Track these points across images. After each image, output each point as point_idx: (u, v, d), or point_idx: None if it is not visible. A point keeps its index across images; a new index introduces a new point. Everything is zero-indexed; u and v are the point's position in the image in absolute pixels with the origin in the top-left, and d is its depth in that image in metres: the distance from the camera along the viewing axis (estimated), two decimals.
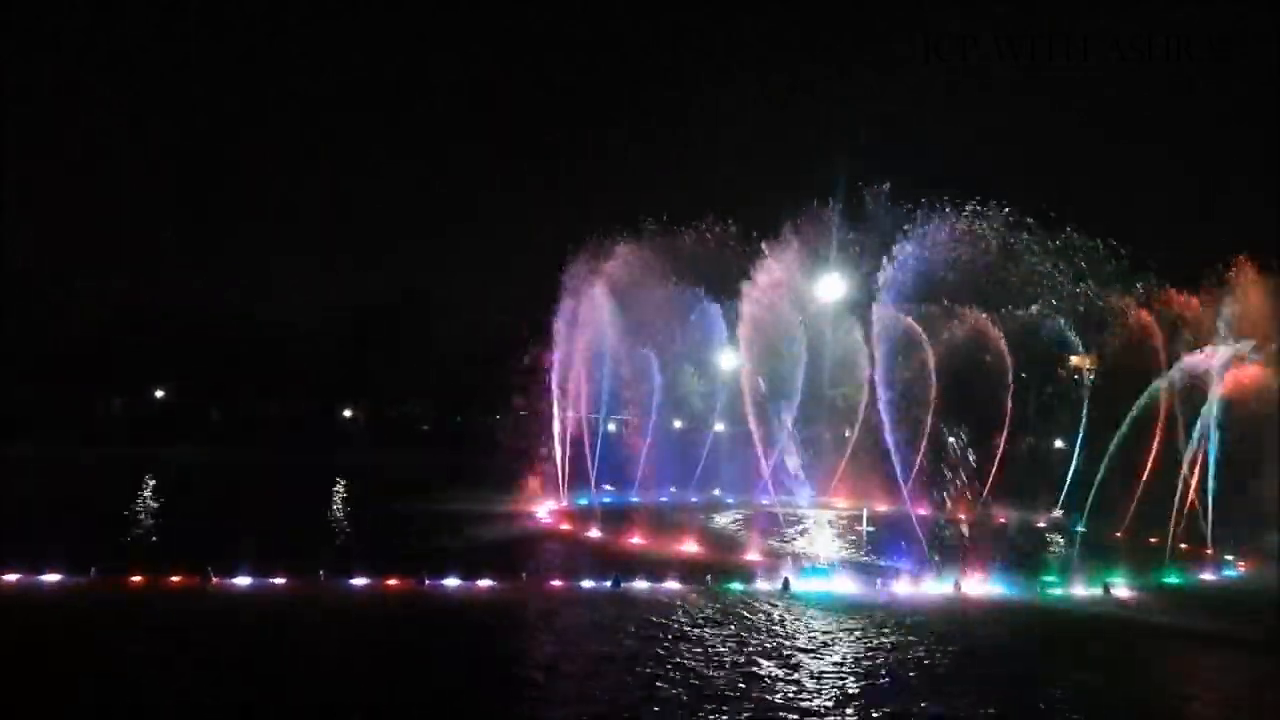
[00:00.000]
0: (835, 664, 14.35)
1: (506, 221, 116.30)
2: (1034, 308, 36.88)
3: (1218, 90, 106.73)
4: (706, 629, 16.34)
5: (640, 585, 19.91)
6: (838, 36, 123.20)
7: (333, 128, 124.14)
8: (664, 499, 40.85)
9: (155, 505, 33.69)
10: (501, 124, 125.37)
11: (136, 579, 18.34)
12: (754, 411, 31.67)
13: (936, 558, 23.62)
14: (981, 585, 21.49)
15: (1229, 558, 27.80)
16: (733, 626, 16.60)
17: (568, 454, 36.31)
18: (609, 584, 19.77)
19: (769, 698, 12.56)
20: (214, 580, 18.39)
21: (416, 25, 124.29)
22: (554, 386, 36.31)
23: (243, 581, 18.49)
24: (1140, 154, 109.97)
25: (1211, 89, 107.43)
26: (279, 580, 18.65)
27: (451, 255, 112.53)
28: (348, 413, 79.73)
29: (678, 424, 49.62)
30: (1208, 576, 25.07)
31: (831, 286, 39.94)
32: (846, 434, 47.76)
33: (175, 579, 18.44)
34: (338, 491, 40.43)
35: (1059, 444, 41.36)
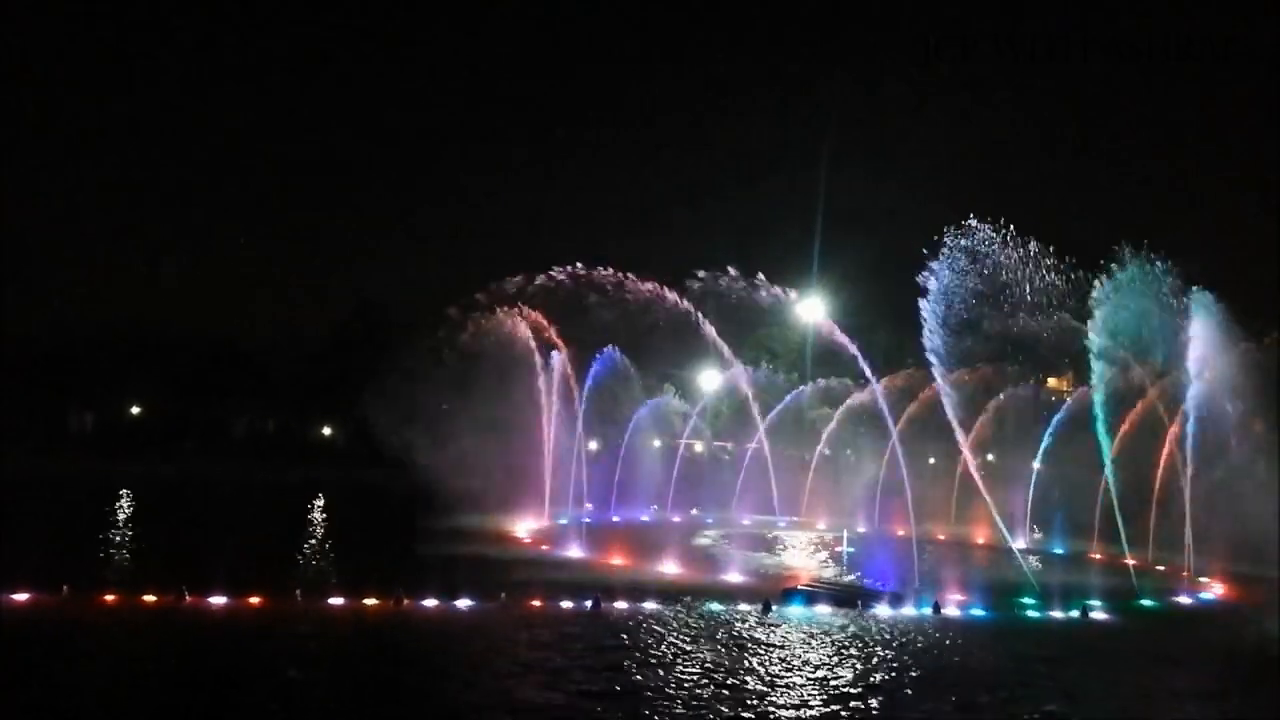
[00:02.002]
0: (814, 686, 14.30)
1: (491, 238, 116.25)
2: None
3: (1218, 90, 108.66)
4: (686, 651, 16.25)
5: (620, 605, 19.81)
6: (835, 36, 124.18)
7: (318, 142, 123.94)
8: (645, 518, 40.81)
9: (132, 522, 33.28)
10: (486, 134, 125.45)
11: (109, 597, 18.08)
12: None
13: (916, 579, 23.69)
14: (960, 607, 21.56)
15: (1205, 580, 28.03)
16: (712, 648, 16.51)
17: (551, 473, 36.21)
18: (589, 604, 19.65)
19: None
20: (188, 599, 18.13)
21: (396, 38, 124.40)
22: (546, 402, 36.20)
23: (218, 601, 18.24)
24: (1139, 153, 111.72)
25: (1211, 89, 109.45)
26: (254, 600, 18.43)
27: (439, 271, 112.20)
28: (326, 430, 79.11)
29: (656, 443, 49.67)
30: (1184, 600, 25.25)
31: (812, 308, 40.18)
32: (826, 453, 48.02)
33: (149, 598, 18.18)
34: (317, 509, 40.10)
35: (1036, 465, 41.63)
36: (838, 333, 29.80)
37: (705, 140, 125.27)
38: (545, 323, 35.37)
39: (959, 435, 28.09)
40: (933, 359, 25.73)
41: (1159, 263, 27.97)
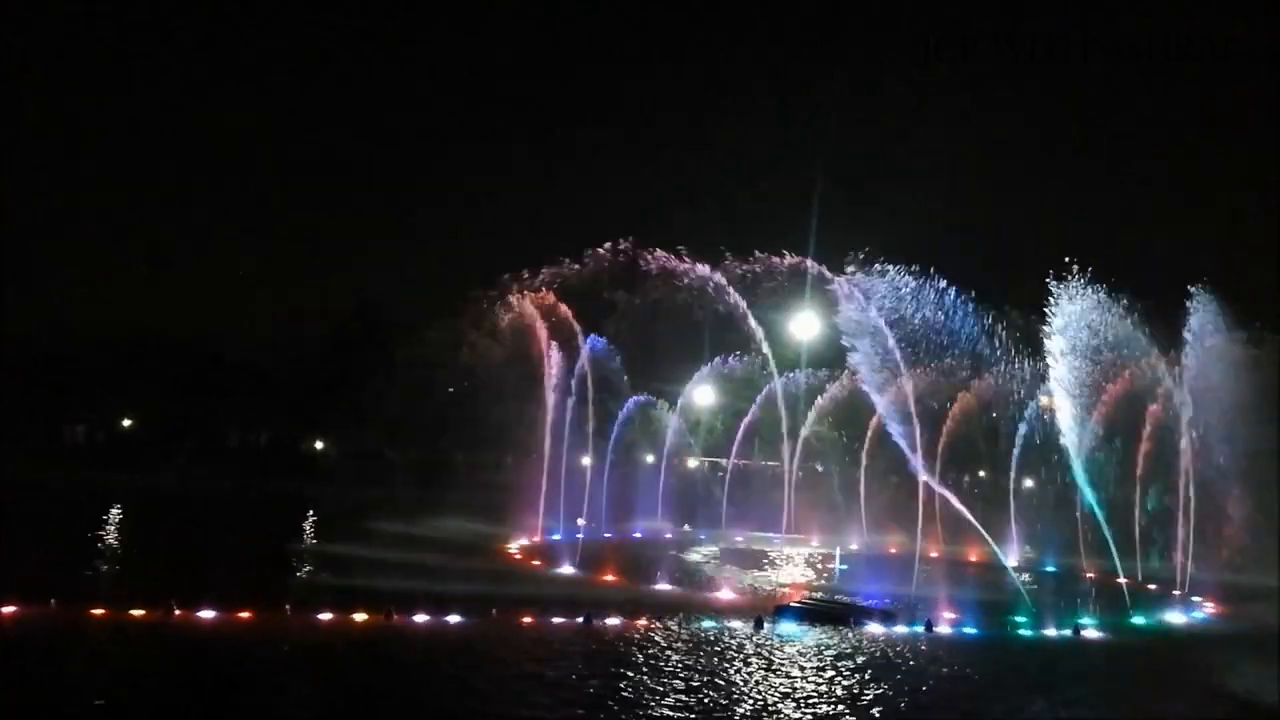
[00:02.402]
0: (807, 705, 14.24)
1: (491, 238, 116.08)
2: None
3: (1218, 90, 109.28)
4: (678, 668, 16.18)
5: (612, 622, 19.71)
6: (835, 36, 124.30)
7: (318, 142, 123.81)
8: (638, 534, 40.68)
9: (123, 534, 33.10)
10: (486, 134, 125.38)
11: (98, 611, 17.94)
12: None
13: (909, 596, 23.66)
14: (953, 625, 21.51)
15: (1196, 599, 28.02)
16: (705, 665, 16.45)
17: (542, 489, 36.05)
18: (580, 620, 19.56)
19: None
20: (177, 613, 18.00)
21: (396, 38, 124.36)
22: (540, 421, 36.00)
23: (207, 615, 18.12)
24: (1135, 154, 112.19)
25: (1211, 89, 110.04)
26: (244, 614, 18.31)
27: (439, 271, 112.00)
28: (319, 444, 78.77)
29: (650, 459, 49.57)
30: (1175, 618, 25.23)
31: (806, 325, 40.17)
32: (819, 469, 48.00)
33: (138, 611, 18.05)
34: (308, 523, 39.93)
35: (1029, 483, 41.61)
36: (874, 316, 27.67)
37: (705, 140, 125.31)
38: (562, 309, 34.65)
39: (903, 444, 27.86)
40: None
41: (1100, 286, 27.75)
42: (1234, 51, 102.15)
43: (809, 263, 31.04)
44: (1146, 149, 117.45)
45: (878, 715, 14.03)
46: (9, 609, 17.53)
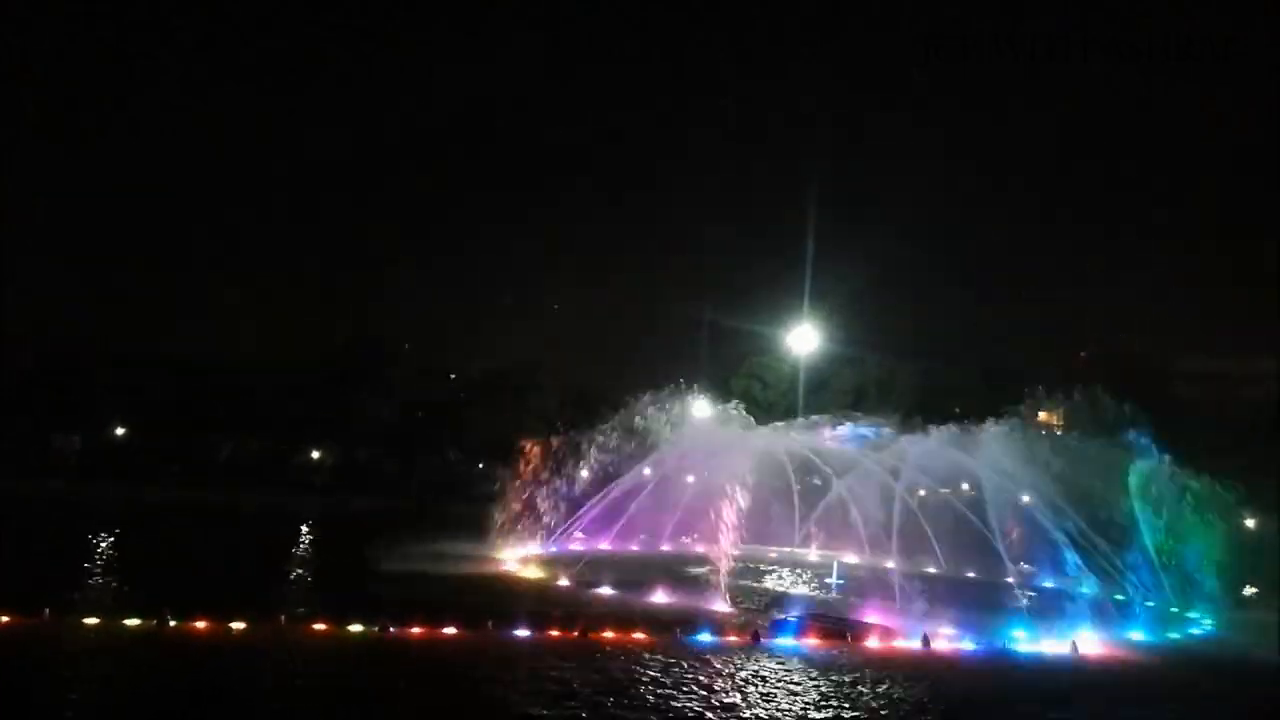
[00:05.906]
0: (799, 717, 14.19)
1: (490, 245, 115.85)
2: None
3: (1218, 90, 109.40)
4: (673, 682, 16.11)
5: (607, 634, 19.65)
6: (835, 36, 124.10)
7: (317, 149, 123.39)
8: (635, 548, 40.57)
9: (116, 545, 32.98)
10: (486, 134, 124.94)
11: (91, 621, 17.88)
12: None
13: (906, 611, 23.61)
14: (950, 640, 21.46)
15: (1194, 616, 28.01)
16: (700, 679, 16.40)
17: (539, 501, 36.03)
18: (576, 633, 19.50)
19: None
20: (171, 624, 17.93)
21: (396, 38, 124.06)
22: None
23: (200, 625, 18.05)
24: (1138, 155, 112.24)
25: (1212, 89, 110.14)
26: (237, 625, 18.24)
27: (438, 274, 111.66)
28: (315, 454, 78.61)
29: (647, 471, 49.35)
30: (1174, 635, 25.21)
31: (804, 338, 40.25)
32: (817, 482, 47.91)
33: (131, 621, 17.98)
34: (303, 534, 39.81)
35: (1025, 498, 41.49)
36: None
37: (702, 141, 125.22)
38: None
39: None
40: None
41: None
42: (1234, 51, 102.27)
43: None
44: (1146, 149, 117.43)
45: None
46: (2, 619, 17.47)
